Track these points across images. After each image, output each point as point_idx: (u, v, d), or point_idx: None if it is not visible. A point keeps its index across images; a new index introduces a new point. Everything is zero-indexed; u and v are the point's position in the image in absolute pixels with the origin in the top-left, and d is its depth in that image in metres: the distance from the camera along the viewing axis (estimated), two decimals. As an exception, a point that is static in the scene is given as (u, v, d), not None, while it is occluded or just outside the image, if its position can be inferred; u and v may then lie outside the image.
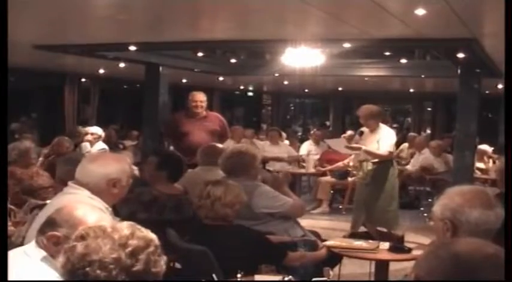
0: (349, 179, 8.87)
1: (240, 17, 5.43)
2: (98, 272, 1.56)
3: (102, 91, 13.03)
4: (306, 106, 22.55)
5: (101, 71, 11.05)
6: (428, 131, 17.16)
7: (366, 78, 11.07)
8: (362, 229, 6.07)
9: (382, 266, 4.19)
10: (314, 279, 3.07)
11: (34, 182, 5.39)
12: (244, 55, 10.29)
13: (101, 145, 8.01)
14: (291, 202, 4.30)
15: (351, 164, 8.64)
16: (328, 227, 7.43)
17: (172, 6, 4.82)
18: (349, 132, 7.64)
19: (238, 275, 2.99)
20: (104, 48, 7.38)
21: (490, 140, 10.35)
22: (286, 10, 4.90)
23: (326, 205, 9.22)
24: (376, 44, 6.44)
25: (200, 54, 8.91)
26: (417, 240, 5.08)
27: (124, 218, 1.79)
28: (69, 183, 2.96)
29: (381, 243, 4.07)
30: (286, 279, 3.00)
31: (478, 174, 8.83)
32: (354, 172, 7.88)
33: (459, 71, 7.03)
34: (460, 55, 6.30)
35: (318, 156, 10.15)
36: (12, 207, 4.42)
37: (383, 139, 6.37)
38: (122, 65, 9.09)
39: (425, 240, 5.14)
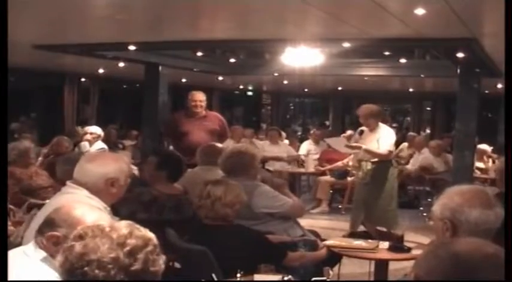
0: (349, 178, 8.87)
1: (240, 17, 5.43)
2: (97, 271, 1.55)
3: (101, 91, 13.04)
4: (305, 106, 22.56)
5: (101, 70, 11.05)
6: (428, 131, 17.17)
7: (365, 78, 11.06)
8: (361, 229, 6.08)
9: (381, 266, 4.19)
10: (314, 278, 3.07)
11: (33, 181, 5.39)
12: (243, 55, 10.27)
13: (100, 145, 8.00)
14: (290, 202, 4.30)
15: (351, 163, 8.65)
16: (327, 227, 7.43)
17: (172, 5, 4.82)
18: (349, 132, 7.64)
19: (238, 275, 2.99)
20: (104, 48, 7.38)
21: (489, 140, 10.36)
22: (286, 10, 4.90)
23: (325, 205, 9.22)
24: (376, 44, 6.44)
25: (200, 53, 8.91)
26: (417, 240, 5.07)
27: (124, 218, 1.79)
28: (68, 182, 2.95)
29: (381, 242, 4.06)
30: (285, 278, 3.00)
31: (477, 173, 8.84)
32: (354, 172, 7.88)
33: (459, 71, 7.03)
34: (460, 55, 6.29)
35: (317, 156, 10.15)
36: (11, 207, 4.42)
37: (383, 138, 6.37)
38: (121, 64, 9.09)
39: (425, 240, 5.15)
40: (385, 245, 4.03)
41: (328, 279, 3.09)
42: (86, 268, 1.56)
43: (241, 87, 16.28)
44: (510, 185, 2.66)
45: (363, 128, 6.56)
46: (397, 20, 4.93)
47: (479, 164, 9.14)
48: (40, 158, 6.97)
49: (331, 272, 3.22)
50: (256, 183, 4.30)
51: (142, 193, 4.22)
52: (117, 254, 1.57)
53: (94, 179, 2.87)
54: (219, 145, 5.79)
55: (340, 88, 14.84)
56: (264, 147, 10.39)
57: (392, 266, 4.29)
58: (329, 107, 17.29)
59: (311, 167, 9.79)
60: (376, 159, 6.37)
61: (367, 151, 6.37)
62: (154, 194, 4.23)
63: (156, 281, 1.64)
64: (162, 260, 1.66)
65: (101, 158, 3.04)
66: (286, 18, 5.34)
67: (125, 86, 15.27)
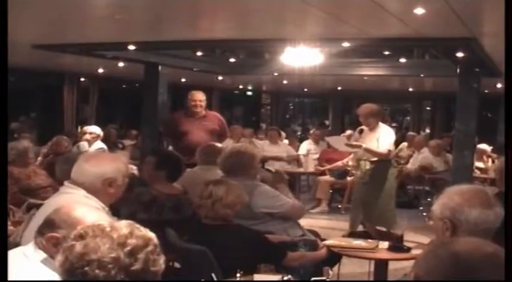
0: (348, 178, 8.86)
1: (240, 17, 5.43)
2: (97, 271, 1.55)
3: (101, 90, 13.03)
4: (305, 105, 22.56)
5: (100, 70, 11.04)
6: (428, 130, 17.17)
7: (365, 78, 11.06)
8: (361, 228, 6.08)
9: (381, 265, 4.18)
10: (313, 278, 3.07)
11: (32, 181, 5.39)
12: (243, 54, 10.26)
13: (99, 144, 8.00)
14: (290, 203, 4.30)
15: (350, 163, 8.64)
16: (327, 227, 7.43)
17: (172, 5, 4.82)
18: (349, 132, 7.65)
19: (238, 275, 2.99)
20: (103, 48, 7.37)
21: (489, 139, 10.36)
22: (286, 10, 4.89)
23: (325, 204, 9.22)
24: (375, 43, 6.43)
25: (199, 53, 8.90)
26: (416, 240, 5.06)
27: (123, 218, 1.78)
28: (65, 182, 2.95)
29: (380, 242, 4.07)
30: (285, 278, 3.00)
31: (477, 173, 8.84)
32: (353, 171, 7.88)
33: (458, 71, 7.03)
34: (460, 54, 6.29)
35: (317, 156, 10.15)
36: (11, 206, 4.42)
37: (382, 138, 6.37)
38: (121, 64, 9.09)
39: (425, 240, 5.14)
40: (384, 244, 4.03)
41: (327, 279, 3.09)
42: (86, 268, 1.56)
43: (240, 87, 16.27)
44: (510, 184, 2.66)
45: (363, 127, 6.57)
46: (397, 20, 4.93)
47: (478, 164, 9.14)
48: (39, 158, 6.97)
49: (330, 271, 3.22)
50: (256, 183, 4.30)
51: (142, 193, 4.22)
52: (117, 254, 1.57)
53: (91, 179, 2.86)
54: (219, 145, 5.79)
55: (339, 88, 14.84)
56: (263, 147, 10.38)
57: (392, 265, 4.29)
58: (329, 107, 17.30)
59: (311, 167, 9.79)
60: (375, 159, 6.37)
61: (367, 150, 6.37)
62: (154, 194, 4.22)
63: (156, 281, 1.64)
64: (162, 259, 1.66)
65: (98, 158, 3.03)
66: (286, 18, 5.34)
67: (124, 86, 15.27)
